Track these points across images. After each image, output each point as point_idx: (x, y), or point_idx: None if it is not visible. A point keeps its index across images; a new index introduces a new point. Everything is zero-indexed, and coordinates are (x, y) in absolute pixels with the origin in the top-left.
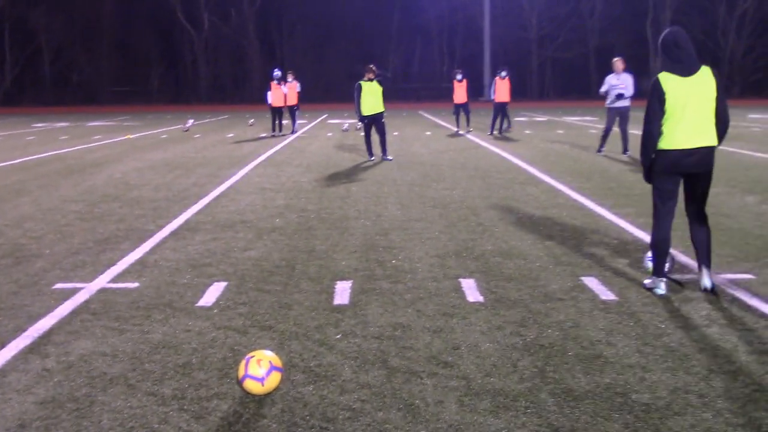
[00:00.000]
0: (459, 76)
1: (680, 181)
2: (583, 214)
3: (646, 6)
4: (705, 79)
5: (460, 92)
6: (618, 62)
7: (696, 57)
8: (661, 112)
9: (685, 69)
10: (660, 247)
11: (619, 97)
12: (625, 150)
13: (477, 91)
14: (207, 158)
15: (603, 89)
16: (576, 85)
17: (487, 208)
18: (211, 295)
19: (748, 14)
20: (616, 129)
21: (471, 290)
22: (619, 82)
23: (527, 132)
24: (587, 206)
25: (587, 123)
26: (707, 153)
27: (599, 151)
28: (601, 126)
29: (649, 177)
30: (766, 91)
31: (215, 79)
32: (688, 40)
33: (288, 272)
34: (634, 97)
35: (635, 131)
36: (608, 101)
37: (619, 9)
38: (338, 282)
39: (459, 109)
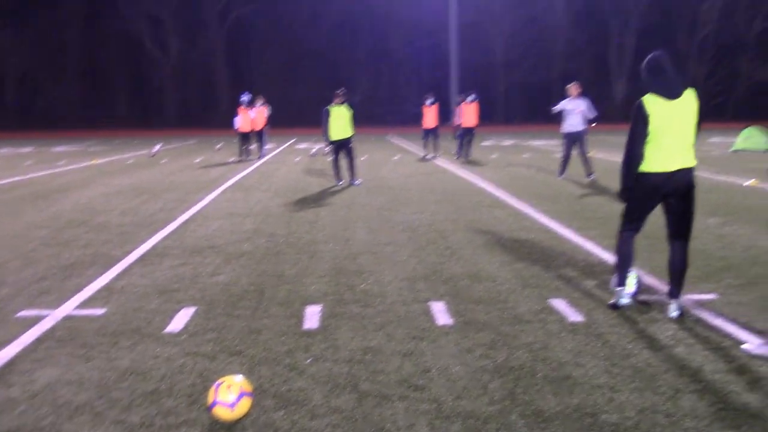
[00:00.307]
0: (429, 101)
1: (657, 204)
2: (550, 236)
3: (609, 32)
4: (689, 103)
5: (430, 117)
6: (572, 87)
7: (680, 80)
8: (645, 134)
9: (670, 92)
10: (624, 260)
11: (581, 121)
12: (588, 174)
13: (446, 116)
14: (174, 183)
15: (556, 108)
16: (542, 109)
17: (455, 232)
18: (179, 321)
19: (708, 39)
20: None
21: (440, 313)
22: (574, 107)
23: (494, 156)
24: (554, 229)
25: (552, 147)
26: (687, 173)
27: (560, 175)
28: None
29: (627, 197)
30: (725, 115)
31: (183, 103)
32: (672, 63)
33: (257, 297)
34: (597, 120)
35: (606, 155)
36: (563, 127)
37: (584, 35)
38: (308, 306)
39: (428, 133)
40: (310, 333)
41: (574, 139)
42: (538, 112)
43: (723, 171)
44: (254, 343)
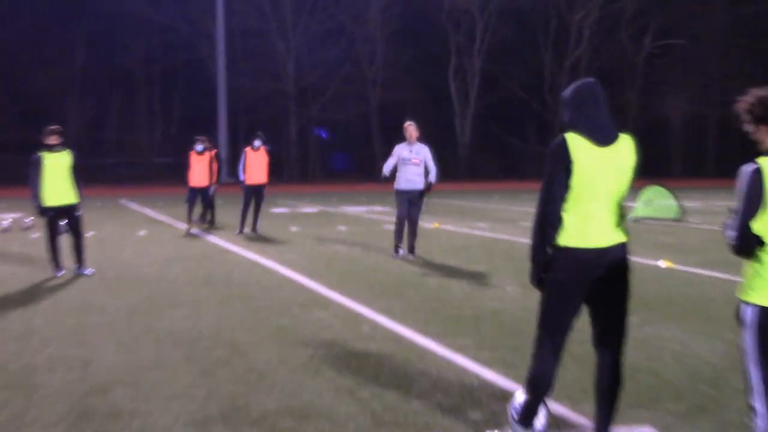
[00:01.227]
0: (199, 147)
1: (583, 295)
2: (403, 348)
3: (446, 52)
4: (624, 154)
5: (200, 169)
6: (410, 128)
7: (612, 122)
8: (566, 187)
9: (603, 136)
10: (538, 388)
11: (421, 176)
12: (410, 250)
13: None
14: None
15: (388, 167)
16: (357, 156)
17: (257, 345)
18: None
19: (581, 64)
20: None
21: None
22: (412, 156)
23: (294, 229)
24: (405, 337)
25: (378, 215)
26: (621, 250)
27: (396, 252)
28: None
29: (539, 281)
30: None
31: None
32: (605, 98)
33: None
34: (438, 179)
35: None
36: (397, 183)
37: (409, 55)
38: None
39: (196, 194)
40: None
41: (411, 200)
42: (351, 162)
43: (628, 247)
44: None
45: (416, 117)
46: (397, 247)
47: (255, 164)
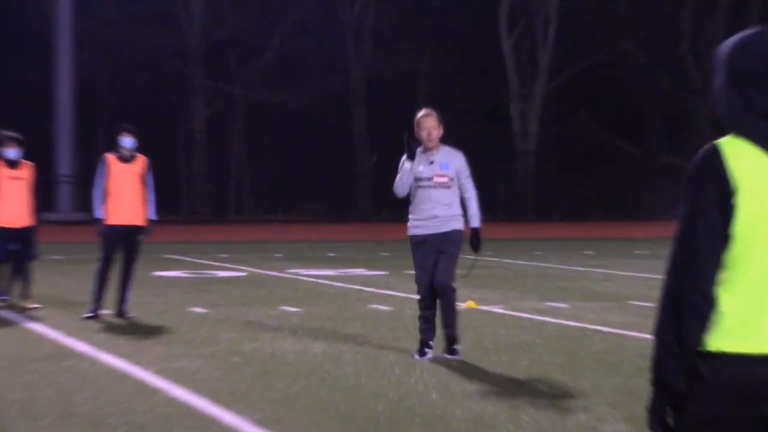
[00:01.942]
0: (12, 153)
1: None
2: None
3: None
4: None
5: (14, 195)
6: (428, 121)
7: None
8: (722, 237)
9: None
10: None
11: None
12: (449, 343)
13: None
14: None
15: (404, 186)
16: (323, 169)
17: None
18: None
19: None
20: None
21: None
22: (435, 170)
23: (198, 311)
24: None
25: (362, 283)
26: None
27: (422, 353)
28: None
29: (665, 428)
30: None
31: None
32: None
33: None
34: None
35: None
36: (411, 223)
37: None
38: None
39: (5, 241)
40: None
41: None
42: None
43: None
44: None
45: (434, 103)
46: (423, 344)
47: (123, 186)
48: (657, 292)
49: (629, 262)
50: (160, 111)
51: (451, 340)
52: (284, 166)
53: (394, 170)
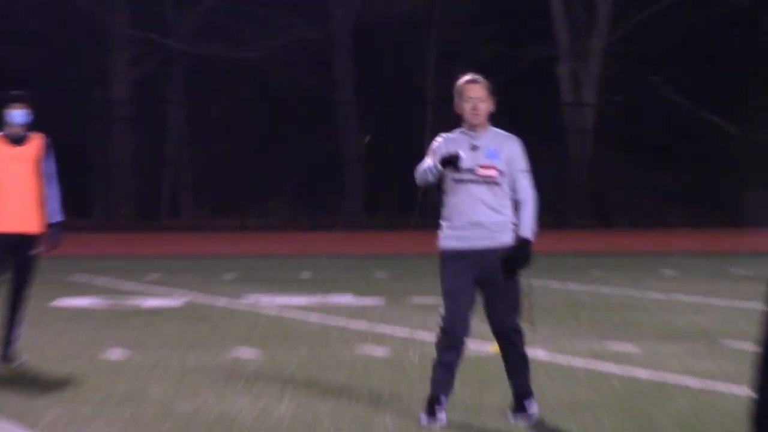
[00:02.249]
0: None
1: None
2: None
3: None
4: None
5: None
6: (474, 89)
7: None
8: None
9: None
10: None
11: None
12: (516, 408)
13: None
14: None
15: (427, 171)
16: (298, 157)
17: None
18: None
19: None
20: None
21: None
22: (479, 160)
23: (115, 355)
24: None
25: (348, 315)
26: None
27: (431, 414)
28: None
29: None
30: None
31: None
32: None
33: None
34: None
35: None
36: (444, 233)
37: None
38: None
39: None
40: None
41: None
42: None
43: None
44: None
45: (447, 61)
46: (434, 402)
47: (9, 178)
48: (759, 328)
49: (723, 285)
50: (66, 73)
51: (522, 394)
52: (240, 149)
53: (391, 154)
